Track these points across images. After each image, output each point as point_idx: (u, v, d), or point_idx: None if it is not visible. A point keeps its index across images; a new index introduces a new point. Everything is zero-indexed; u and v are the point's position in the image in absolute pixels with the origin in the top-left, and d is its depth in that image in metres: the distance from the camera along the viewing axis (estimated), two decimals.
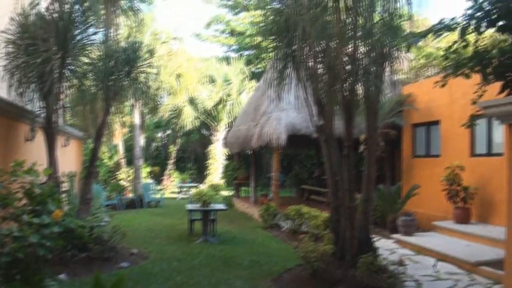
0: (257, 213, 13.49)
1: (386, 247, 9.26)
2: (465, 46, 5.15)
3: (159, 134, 32.80)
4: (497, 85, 5.82)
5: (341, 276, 6.25)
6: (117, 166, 23.48)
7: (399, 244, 9.66)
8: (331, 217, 7.14)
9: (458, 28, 5.69)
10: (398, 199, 10.97)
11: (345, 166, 6.56)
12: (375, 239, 6.95)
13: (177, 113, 25.27)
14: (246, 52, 31.90)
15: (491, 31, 5.67)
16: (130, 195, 18.91)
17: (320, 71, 6.53)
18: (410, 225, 10.09)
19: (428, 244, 9.00)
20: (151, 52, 16.88)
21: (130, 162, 22.61)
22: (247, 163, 20.78)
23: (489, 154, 9.98)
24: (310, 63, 6.57)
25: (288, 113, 12.52)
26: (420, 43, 16.44)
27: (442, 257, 8.23)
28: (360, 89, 6.35)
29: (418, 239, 9.59)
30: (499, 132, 9.34)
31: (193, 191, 14.18)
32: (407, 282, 6.67)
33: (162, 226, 12.59)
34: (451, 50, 5.21)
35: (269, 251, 9.11)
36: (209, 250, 9.14)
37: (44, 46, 7.62)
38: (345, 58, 6.26)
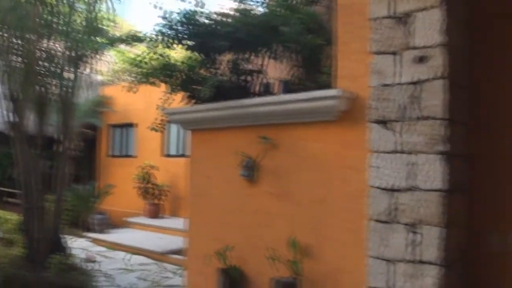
0: None
1: (81, 246, 9.23)
2: (155, 59, 5.64)
3: None
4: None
5: (34, 279, 6.03)
6: None
7: (94, 242, 9.77)
8: (23, 220, 6.79)
9: (149, 41, 6.19)
10: (93, 198, 11.07)
11: (37, 166, 6.34)
12: (71, 238, 6.96)
13: None
14: None
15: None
16: None
17: (16, 64, 6.13)
18: (103, 223, 10.43)
19: (121, 240, 9.45)
20: None
21: None
22: None
23: (180, 155, 10.98)
24: (7, 55, 6.09)
25: None
26: (125, 48, 16.78)
27: (135, 251, 8.75)
28: (55, 87, 6.26)
29: (112, 236, 9.97)
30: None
31: None
32: (100, 278, 6.88)
33: None
34: (142, 59, 5.62)
35: None
36: None
37: None
38: (43, 55, 6.07)
